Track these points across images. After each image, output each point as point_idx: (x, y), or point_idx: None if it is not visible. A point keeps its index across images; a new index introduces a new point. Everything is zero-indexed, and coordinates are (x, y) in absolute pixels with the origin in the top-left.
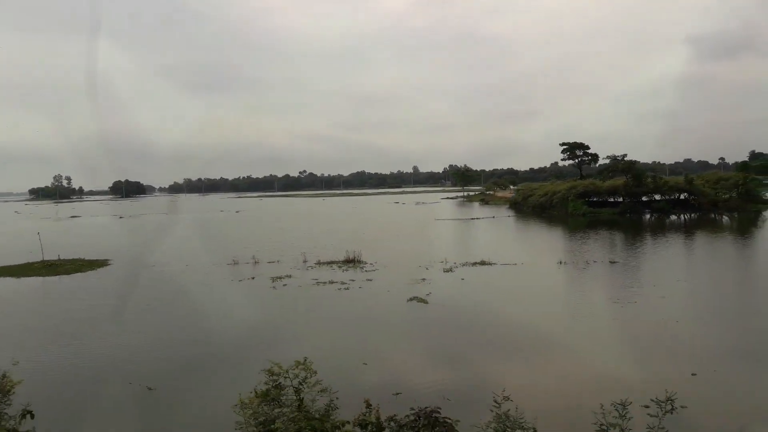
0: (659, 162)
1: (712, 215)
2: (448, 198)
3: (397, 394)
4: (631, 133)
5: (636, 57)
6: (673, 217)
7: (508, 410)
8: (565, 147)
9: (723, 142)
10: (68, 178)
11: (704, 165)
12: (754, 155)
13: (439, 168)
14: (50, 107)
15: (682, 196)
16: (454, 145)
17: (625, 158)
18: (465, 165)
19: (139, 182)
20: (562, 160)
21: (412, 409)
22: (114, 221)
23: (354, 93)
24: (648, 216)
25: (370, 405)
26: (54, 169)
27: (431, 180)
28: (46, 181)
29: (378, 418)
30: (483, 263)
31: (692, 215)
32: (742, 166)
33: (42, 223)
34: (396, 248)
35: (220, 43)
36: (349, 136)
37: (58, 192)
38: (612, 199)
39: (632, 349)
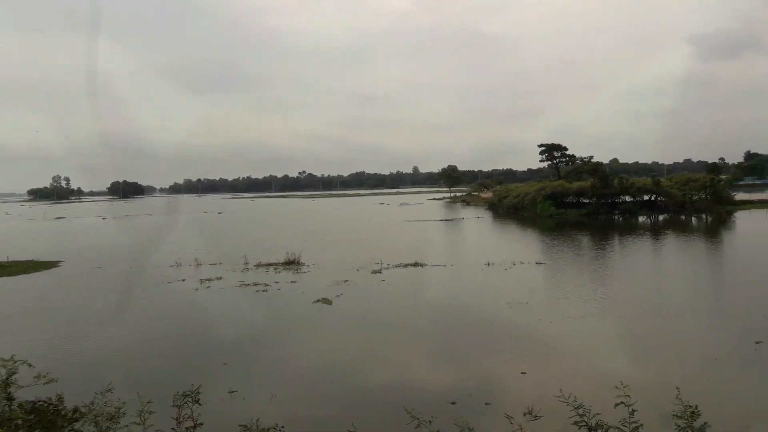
0: (658, 162)
1: (681, 216)
2: (434, 199)
3: (233, 392)
4: (633, 133)
5: (638, 56)
6: (643, 218)
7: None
8: (543, 148)
9: (725, 142)
10: (67, 179)
11: (704, 165)
12: (750, 156)
13: (438, 168)
14: (51, 107)
15: (650, 198)
16: (455, 145)
17: (591, 159)
18: (452, 166)
19: (137, 183)
20: (540, 161)
21: None
22: (96, 223)
23: (356, 92)
24: (616, 217)
25: None
26: (56, 170)
27: (430, 180)
28: (46, 182)
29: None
30: (416, 264)
31: (660, 216)
32: (711, 168)
33: (24, 224)
34: (344, 249)
35: (221, 42)
36: (351, 135)
37: (56, 193)
38: (580, 201)
39: (471, 348)
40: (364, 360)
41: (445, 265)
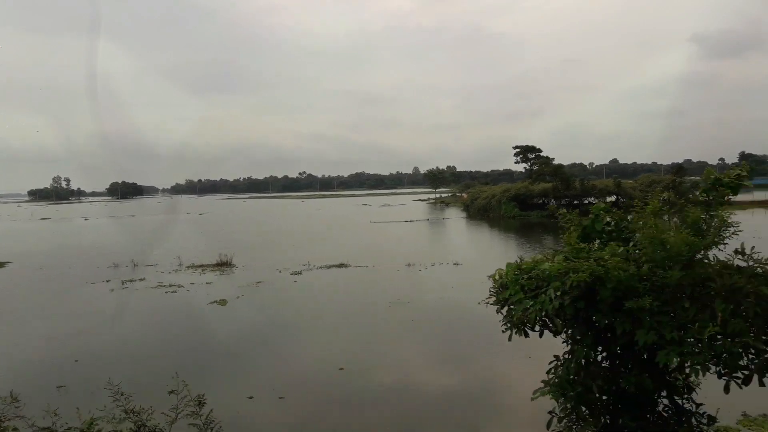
0: (657, 162)
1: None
2: (420, 200)
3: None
4: (635, 133)
5: (640, 56)
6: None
7: None
8: (517, 150)
9: (729, 141)
10: (67, 180)
11: (703, 165)
12: (744, 156)
13: (443, 168)
14: (53, 108)
15: (614, 199)
16: (458, 145)
17: (552, 160)
18: (437, 167)
19: (135, 183)
20: (515, 162)
21: None
22: (77, 224)
23: (358, 92)
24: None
25: None
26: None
27: (428, 181)
28: (47, 183)
29: None
30: (340, 265)
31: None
32: (676, 170)
33: (4, 225)
34: (287, 250)
35: (224, 43)
36: (354, 136)
37: (55, 193)
38: (544, 202)
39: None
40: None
41: (367, 266)
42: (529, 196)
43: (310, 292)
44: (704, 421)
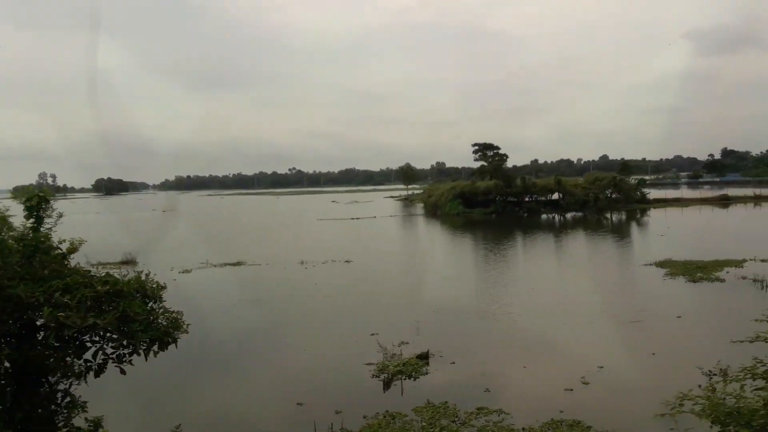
0: (646, 159)
1: (583, 214)
2: (391, 197)
3: None
4: (633, 129)
5: (639, 52)
6: (553, 216)
7: None
8: (476, 147)
9: (722, 137)
10: (53, 176)
11: (693, 162)
12: (726, 152)
13: (452, 163)
14: (43, 104)
15: (559, 197)
16: (456, 142)
17: (496, 160)
18: (408, 163)
19: (121, 180)
20: (475, 160)
21: None
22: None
23: (356, 89)
24: (523, 215)
25: None
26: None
27: (421, 176)
28: (33, 179)
29: None
30: (237, 264)
31: (566, 215)
32: (621, 167)
33: None
34: (200, 248)
35: (220, 39)
36: (351, 132)
37: (38, 190)
38: (489, 199)
39: None
40: None
41: (260, 264)
42: (474, 194)
43: (173, 291)
44: None
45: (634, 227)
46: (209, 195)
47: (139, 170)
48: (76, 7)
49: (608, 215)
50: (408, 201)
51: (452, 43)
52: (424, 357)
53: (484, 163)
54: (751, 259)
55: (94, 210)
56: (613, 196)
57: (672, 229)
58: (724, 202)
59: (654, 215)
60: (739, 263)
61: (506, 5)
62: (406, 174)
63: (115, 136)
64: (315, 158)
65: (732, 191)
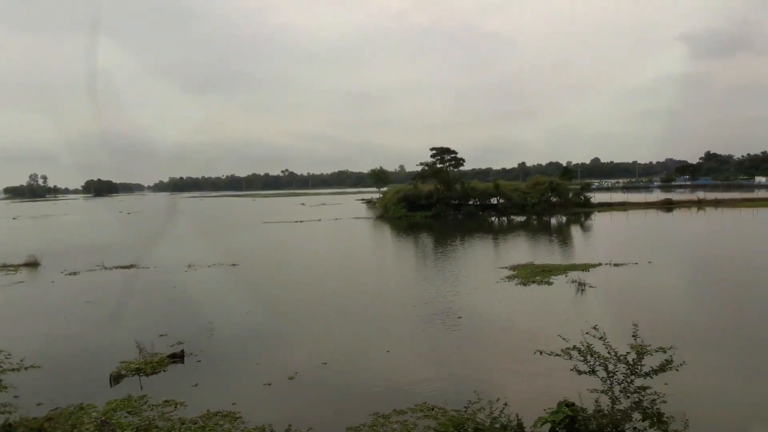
0: (638, 162)
1: (521, 218)
2: (363, 200)
3: None
4: (627, 132)
5: (632, 56)
6: (493, 220)
7: None
8: (434, 152)
9: (715, 141)
10: (44, 177)
11: (684, 164)
12: (709, 156)
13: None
14: (39, 105)
15: (497, 201)
16: (452, 144)
17: (435, 164)
18: (381, 167)
19: (110, 181)
20: (433, 164)
21: None
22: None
23: (352, 91)
24: (461, 218)
25: None
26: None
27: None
28: (24, 180)
29: None
30: (129, 267)
31: (503, 218)
32: (564, 172)
33: None
34: (116, 250)
35: (216, 41)
36: (346, 134)
37: (32, 191)
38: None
39: None
40: None
41: (149, 268)
42: (417, 198)
43: (34, 292)
44: None
45: (555, 230)
46: (193, 197)
47: (136, 171)
48: (72, 9)
49: (546, 219)
50: (372, 204)
51: (448, 46)
52: (177, 356)
53: (441, 166)
54: (606, 263)
55: (62, 212)
56: (554, 200)
57: (594, 232)
58: (668, 206)
59: (597, 219)
60: (587, 267)
61: (501, 9)
62: (378, 176)
63: (111, 138)
64: (311, 160)
65: (679, 196)
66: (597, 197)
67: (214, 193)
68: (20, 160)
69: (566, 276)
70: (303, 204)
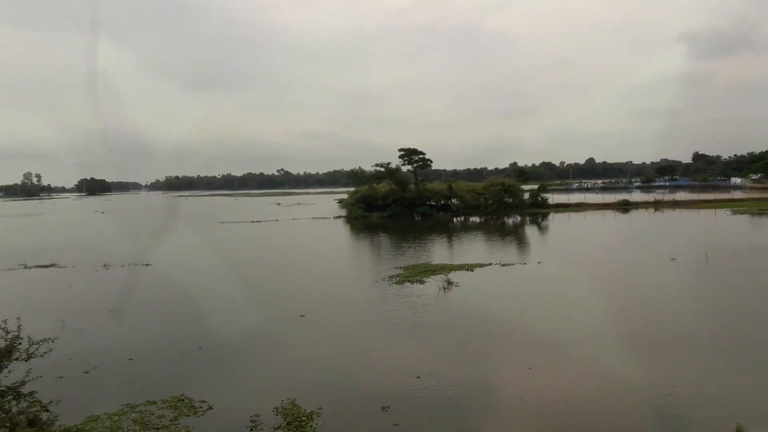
0: (632, 162)
1: (474, 218)
2: (341, 200)
3: None
4: (627, 131)
5: (632, 55)
6: (451, 220)
7: None
8: (402, 153)
9: (712, 141)
10: (38, 176)
11: (678, 164)
12: (696, 156)
13: (443, 165)
14: (37, 103)
15: (450, 201)
16: (452, 143)
17: (389, 165)
18: (359, 167)
19: (104, 180)
20: (401, 164)
21: None
22: None
23: (351, 90)
24: (418, 219)
25: None
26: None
27: (351, 180)
28: (18, 179)
29: None
30: (48, 266)
31: (455, 218)
32: (519, 174)
33: None
34: (48, 250)
35: (215, 40)
36: (346, 133)
37: (21, 189)
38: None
39: None
40: None
41: (66, 267)
42: (374, 198)
43: None
44: None
45: (497, 230)
46: (182, 196)
47: (134, 170)
48: (70, 7)
49: (500, 220)
50: (342, 204)
51: (448, 45)
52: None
53: (410, 168)
54: (496, 263)
55: (43, 211)
56: (509, 200)
57: (532, 232)
58: (625, 207)
59: (551, 220)
60: (475, 267)
61: (502, 8)
62: (357, 176)
63: (109, 136)
64: (309, 159)
65: (640, 197)
66: (571, 198)
67: (205, 193)
68: (16, 158)
69: (447, 275)
70: (279, 204)
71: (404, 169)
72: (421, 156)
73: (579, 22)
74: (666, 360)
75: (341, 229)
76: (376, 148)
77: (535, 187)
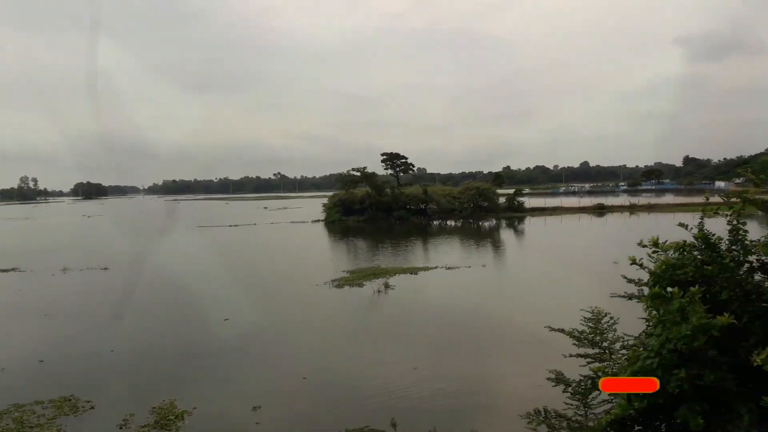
0: (626, 165)
1: (449, 222)
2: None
3: None
4: (624, 135)
5: (628, 58)
6: (427, 223)
7: None
8: (384, 157)
9: (710, 144)
10: (35, 180)
11: (671, 168)
12: (687, 160)
13: (438, 169)
14: (35, 106)
15: (424, 205)
16: (450, 146)
17: (365, 169)
18: (348, 170)
19: (100, 184)
20: (384, 169)
21: None
22: None
23: (349, 93)
24: (397, 222)
25: None
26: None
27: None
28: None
29: None
30: (8, 270)
31: (436, 222)
32: (495, 178)
33: None
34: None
35: (216, 43)
36: (344, 136)
37: (17, 193)
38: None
39: None
40: None
41: (25, 271)
42: (352, 202)
43: None
44: None
45: (466, 233)
46: (176, 200)
47: (133, 173)
48: (69, 8)
49: (475, 223)
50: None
51: (445, 48)
52: None
53: (392, 172)
54: (442, 267)
55: (30, 216)
56: (484, 204)
57: (497, 236)
58: (600, 211)
59: (525, 224)
60: (419, 270)
61: (500, 11)
62: (344, 180)
63: (109, 139)
64: (308, 162)
65: (616, 201)
66: (551, 202)
67: (200, 197)
68: (14, 162)
69: (388, 279)
70: (266, 208)
71: (387, 173)
72: (404, 160)
73: (575, 25)
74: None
75: (315, 232)
76: (375, 150)
77: (511, 191)
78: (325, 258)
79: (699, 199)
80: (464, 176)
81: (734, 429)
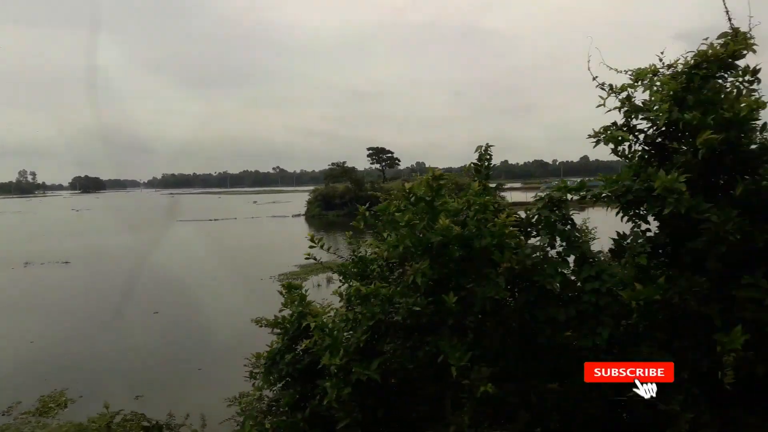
0: (621, 161)
1: None
2: None
3: None
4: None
5: (628, 52)
6: None
7: None
8: (371, 152)
9: None
10: (33, 173)
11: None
12: None
13: (438, 163)
14: (36, 101)
15: None
16: (450, 141)
17: (344, 164)
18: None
19: (98, 178)
20: (370, 163)
21: None
22: None
23: (350, 88)
24: None
25: None
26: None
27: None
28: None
29: None
30: None
31: None
32: (476, 171)
33: None
34: None
35: (215, 37)
36: (344, 130)
37: (15, 187)
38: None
39: None
40: None
41: None
42: (332, 197)
43: None
44: None
45: None
46: (171, 194)
47: (133, 167)
48: (69, 5)
49: None
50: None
51: (446, 43)
52: None
53: (378, 166)
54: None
55: (21, 210)
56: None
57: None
58: (582, 205)
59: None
60: None
61: (500, 6)
62: (332, 176)
63: (108, 133)
64: (307, 156)
65: None
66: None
67: (196, 191)
68: (14, 156)
69: (333, 273)
70: (255, 202)
71: (373, 167)
72: (389, 155)
73: (577, 20)
74: None
75: (292, 227)
76: (375, 144)
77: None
78: (284, 252)
79: None
80: (462, 170)
81: None
